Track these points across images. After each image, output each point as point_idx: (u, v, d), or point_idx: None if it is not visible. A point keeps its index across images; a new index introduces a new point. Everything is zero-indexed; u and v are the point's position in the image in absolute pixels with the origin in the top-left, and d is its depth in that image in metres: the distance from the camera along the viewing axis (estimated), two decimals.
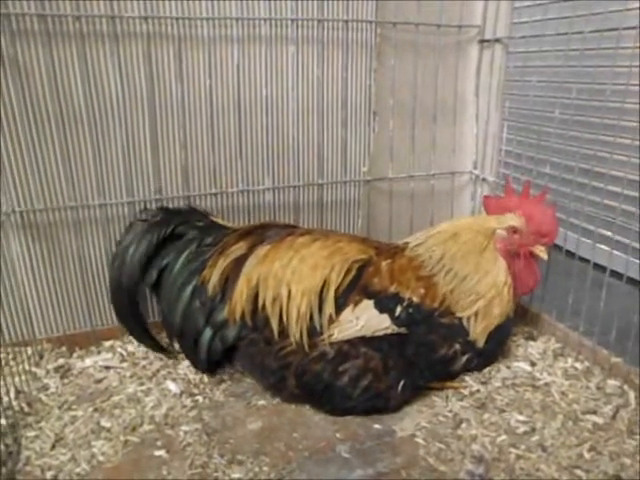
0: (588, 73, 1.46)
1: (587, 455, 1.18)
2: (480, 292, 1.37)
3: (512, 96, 1.75)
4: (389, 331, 1.31)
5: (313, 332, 1.31)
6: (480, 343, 1.37)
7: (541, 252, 1.40)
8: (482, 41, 1.81)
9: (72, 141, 1.45)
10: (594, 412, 1.30)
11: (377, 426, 1.29)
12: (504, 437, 1.23)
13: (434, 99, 1.81)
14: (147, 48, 1.46)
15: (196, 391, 1.40)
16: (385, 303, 1.32)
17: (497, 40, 1.76)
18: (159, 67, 1.49)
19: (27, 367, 1.44)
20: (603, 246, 1.42)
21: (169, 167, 1.57)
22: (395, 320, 1.31)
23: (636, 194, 1.35)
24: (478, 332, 1.37)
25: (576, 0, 1.45)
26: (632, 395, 1.34)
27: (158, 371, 1.47)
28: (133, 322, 1.44)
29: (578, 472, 1.13)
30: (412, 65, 1.74)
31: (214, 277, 1.35)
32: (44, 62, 1.37)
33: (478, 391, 1.38)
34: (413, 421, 1.30)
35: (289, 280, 1.33)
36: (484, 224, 1.43)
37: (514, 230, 1.40)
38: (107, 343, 1.58)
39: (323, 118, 1.69)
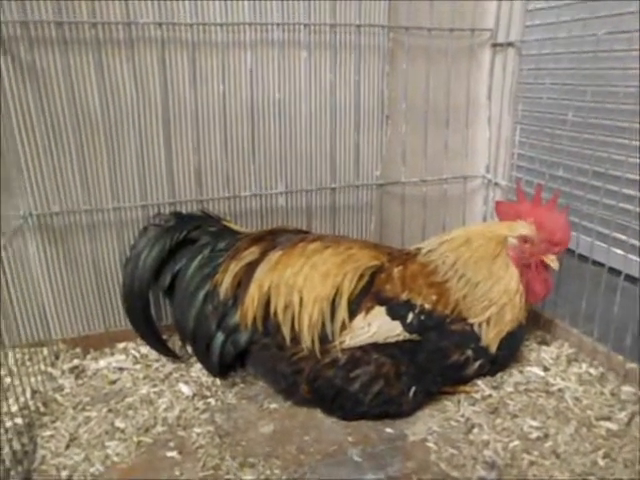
0: (601, 75, 1.45)
1: (601, 462, 1.16)
2: (492, 298, 1.36)
3: (525, 99, 1.74)
4: (401, 338, 1.31)
5: (325, 339, 1.31)
6: (492, 349, 1.36)
7: (552, 262, 1.38)
8: (495, 45, 1.80)
9: (88, 146, 1.48)
10: (608, 418, 1.28)
11: (389, 430, 1.29)
12: (517, 442, 1.22)
13: (446, 103, 1.81)
14: (162, 54, 1.48)
15: (208, 394, 1.41)
16: (397, 310, 1.32)
17: (510, 44, 1.75)
18: (173, 73, 1.51)
19: (43, 367, 1.46)
20: (618, 250, 1.41)
21: (182, 171, 1.59)
22: (407, 327, 1.31)
23: None
24: (490, 338, 1.36)
25: (589, 1, 1.45)
26: None
27: (171, 373, 1.48)
28: (145, 326, 1.46)
29: (592, 479, 1.12)
30: (424, 69, 1.74)
31: (226, 282, 1.36)
32: (61, 69, 1.40)
33: (490, 396, 1.37)
34: (425, 425, 1.29)
35: (301, 287, 1.33)
36: (496, 231, 1.42)
37: (525, 239, 1.38)
38: (121, 345, 1.60)
39: (336, 122, 1.70)
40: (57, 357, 1.53)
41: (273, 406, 1.37)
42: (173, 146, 1.56)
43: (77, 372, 1.48)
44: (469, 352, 1.35)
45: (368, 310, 1.32)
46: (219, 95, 1.56)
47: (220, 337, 1.36)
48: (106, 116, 1.47)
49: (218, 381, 1.45)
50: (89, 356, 1.56)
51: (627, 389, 1.38)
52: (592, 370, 1.46)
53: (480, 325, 1.35)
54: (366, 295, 1.34)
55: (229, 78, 1.56)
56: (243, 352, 1.37)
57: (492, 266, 1.38)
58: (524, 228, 1.40)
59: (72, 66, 1.41)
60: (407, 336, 1.31)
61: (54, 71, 1.40)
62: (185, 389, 1.42)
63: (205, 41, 1.51)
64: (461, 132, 1.87)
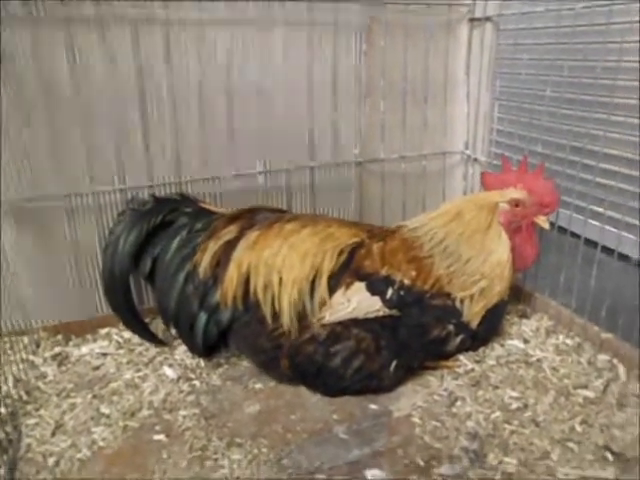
0: (579, 50, 1.45)
1: (579, 428, 1.20)
2: (484, 272, 1.38)
3: (503, 75, 1.75)
4: (380, 313, 1.32)
5: (305, 316, 1.31)
6: (474, 324, 1.38)
7: (543, 222, 1.42)
8: (472, 20, 1.79)
9: (61, 129, 1.44)
10: (585, 386, 1.33)
11: (373, 407, 1.30)
12: (498, 413, 1.26)
13: (425, 79, 1.80)
14: (135, 32, 1.43)
15: (193, 376, 1.41)
16: (376, 285, 1.33)
17: (487, 18, 1.74)
18: (148, 52, 1.47)
19: (24, 356, 1.44)
20: (595, 222, 1.43)
21: (160, 153, 1.56)
22: (386, 302, 1.32)
23: (629, 171, 1.35)
24: (475, 311, 1.38)
25: None
26: (622, 369, 1.37)
27: (154, 357, 1.48)
28: (127, 312, 1.45)
29: (570, 445, 1.16)
30: (402, 46, 1.73)
31: (205, 261, 1.35)
32: (31, 49, 1.35)
33: (473, 370, 1.40)
34: (409, 400, 1.32)
35: (280, 268, 1.33)
36: (487, 198, 1.43)
37: (517, 203, 1.41)
38: (103, 331, 1.59)
39: (314, 101, 1.68)
40: (38, 345, 1.51)
41: (258, 386, 1.38)
42: (150, 128, 1.53)
43: (60, 359, 1.47)
44: (450, 327, 1.36)
45: (348, 286, 1.33)
46: (195, 75, 1.52)
47: (203, 317, 1.36)
48: (79, 98, 1.43)
49: (202, 363, 1.45)
50: (71, 343, 1.54)
51: (603, 357, 1.42)
52: (569, 341, 1.50)
53: (462, 301, 1.37)
54: (346, 271, 1.34)
55: (205, 57, 1.52)
56: (226, 331, 1.37)
57: (485, 238, 1.39)
58: (515, 192, 1.41)
59: (42, 46, 1.36)
60: (387, 311, 1.32)
61: (23, 52, 1.35)
62: (169, 372, 1.42)
63: (180, 19, 1.47)
64: (440, 108, 1.86)
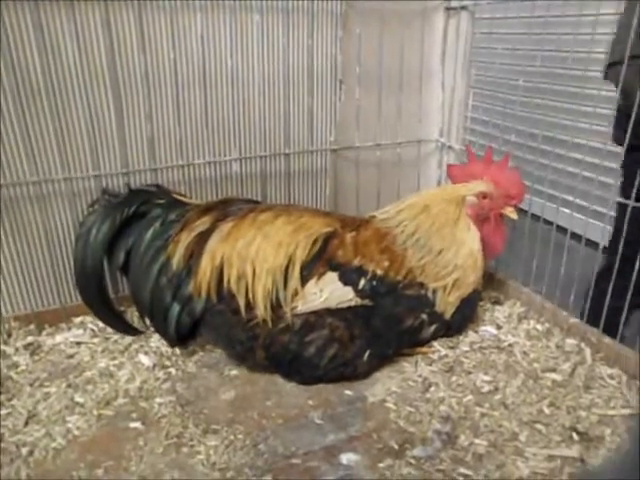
0: (552, 41, 1.47)
1: (547, 410, 1.24)
2: (458, 263, 1.40)
3: (478, 63, 1.76)
4: (353, 303, 1.33)
5: (278, 306, 1.32)
6: (448, 314, 1.41)
7: (511, 213, 1.45)
8: (448, 9, 1.80)
9: (30, 113, 1.40)
10: (553, 370, 1.36)
11: (348, 392, 1.32)
12: (470, 397, 1.28)
13: (400, 67, 1.80)
14: (106, 15, 1.40)
15: (169, 363, 1.41)
16: (349, 275, 1.34)
17: (463, 7, 1.75)
18: (119, 35, 1.44)
19: None
20: (565, 209, 1.47)
21: (135, 139, 1.54)
22: (359, 292, 1.33)
23: (596, 161, 1.38)
24: (449, 302, 1.40)
25: None
26: (588, 352, 1.41)
27: (130, 345, 1.47)
28: (101, 305, 1.43)
29: (538, 426, 1.19)
30: (378, 33, 1.72)
31: (178, 252, 1.34)
32: None
33: (447, 356, 1.42)
34: (384, 386, 1.34)
35: (253, 259, 1.33)
36: (454, 192, 1.45)
37: (484, 195, 1.43)
38: (77, 319, 1.56)
39: (289, 87, 1.67)
40: (10, 335, 1.48)
41: (234, 373, 1.38)
42: (124, 113, 1.50)
43: (32, 349, 1.45)
44: (424, 316, 1.38)
45: (320, 276, 1.33)
46: (170, 60, 1.50)
47: (176, 308, 1.35)
48: (48, 81, 1.39)
49: (178, 350, 1.45)
50: (44, 332, 1.52)
51: (570, 341, 1.46)
52: (539, 326, 1.54)
53: (435, 291, 1.39)
54: (319, 261, 1.34)
55: (179, 43, 1.50)
56: (199, 321, 1.37)
57: (455, 230, 1.42)
58: (481, 185, 1.44)
59: (8, 27, 1.32)
60: (359, 301, 1.33)
61: None
62: (145, 360, 1.41)
63: (152, 4, 1.44)
64: (415, 96, 1.87)
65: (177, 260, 1.34)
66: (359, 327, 1.33)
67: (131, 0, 1.42)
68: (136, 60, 1.47)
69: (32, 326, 1.52)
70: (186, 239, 1.35)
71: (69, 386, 1.32)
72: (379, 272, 1.35)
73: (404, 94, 1.84)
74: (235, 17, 1.54)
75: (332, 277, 1.33)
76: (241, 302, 1.32)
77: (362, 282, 1.34)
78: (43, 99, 1.40)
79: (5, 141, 1.40)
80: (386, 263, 1.36)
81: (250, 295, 1.32)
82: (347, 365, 1.33)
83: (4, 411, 1.24)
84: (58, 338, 1.50)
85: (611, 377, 1.33)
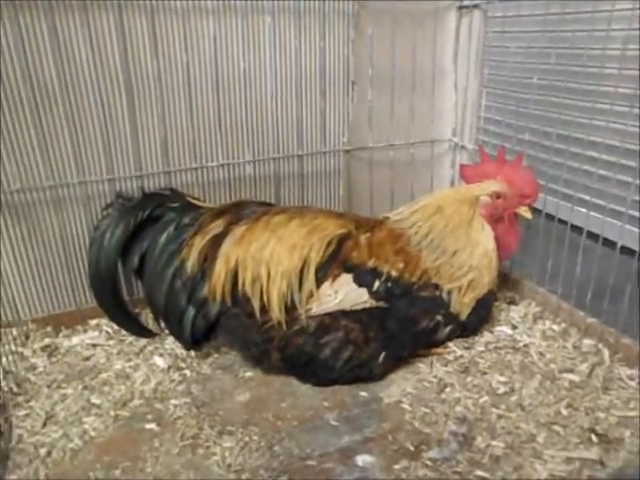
0: (566, 38, 1.45)
1: (564, 412, 1.22)
2: (473, 264, 1.39)
3: (491, 62, 1.75)
4: (367, 305, 1.32)
5: (293, 308, 1.31)
6: (463, 315, 1.40)
7: (525, 212, 1.43)
8: (461, 7, 1.79)
9: (46, 119, 1.42)
10: (571, 371, 1.35)
11: (364, 394, 1.32)
12: (486, 398, 1.27)
13: (412, 67, 1.80)
14: (119, 19, 1.42)
15: (183, 365, 1.42)
16: (363, 277, 1.33)
17: (475, 6, 1.74)
18: (133, 40, 1.46)
19: (13, 348, 1.44)
20: (581, 209, 1.45)
21: (148, 143, 1.55)
22: (373, 294, 1.33)
23: (613, 159, 1.37)
24: (465, 303, 1.39)
25: None
26: (606, 353, 1.39)
27: (145, 347, 1.48)
28: (115, 308, 1.44)
29: (556, 428, 1.18)
30: (390, 34, 1.72)
31: (193, 256, 1.35)
32: (12, 37, 1.33)
33: (462, 356, 1.42)
34: (399, 388, 1.33)
35: (268, 261, 1.32)
36: (467, 193, 1.44)
37: (497, 195, 1.42)
38: (93, 321, 1.58)
39: (302, 89, 1.67)
40: (27, 337, 1.51)
41: (248, 375, 1.39)
42: (138, 117, 1.52)
43: (49, 351, 1.46)
44: (439, 317, 1.37)
45: (335, 277, 1.33)
46: (182, 64, 1.51)
47: (191, 311, 1.36)
48: (63, 86, 1.41)
49: (193, 353, 1.45)
50: (61, 334, 1.54)
51: (588, 342, 1.44)
52: (555, 326, 1.52)
53: (449, 292, 1.38)
54: (333, 262, 1.34)
55: (192, 46, 1.51)
56: (214, 324, 1.37)
57: (469, 231, 1.41)
58: (495, 185, 1.43)
59: (24, 35, 1.34)
60: (374, 303, 1.33)
61: (4, 38, 1.33)
62: (160, 362, 1.42)
63: (165, 7, 1.45)
64: (428, 96, 1.87)
65: (191, 264, 1.35)
66: (374, 329, 1.32)
67: (144, 2, 1.43)
68: (149, 63, 1.49)
69: (49, 328, 1.54)
70: (200, 242, 1.35)
71: (85, 388, 1.34)
72: (394, 273, 1.35)
73: (417, 94, 1.83)
74: (247, 19, 1.54)
75: (347, 279, 1.33)
76: (256, 305, 1.32)
77: (377, 284, 1.33)
78: (58, 103, 1.42)
79: (21, 146, 1.42)
80: (401, 264, 1.36)
81: (265, 298, 1.32)
82: (362, 367, 1.33)
83: (22, 412, 1.25)
84: (74, 340, 1.51)
85: (630, 378, 1.31)
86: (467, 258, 1.39)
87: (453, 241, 1.39)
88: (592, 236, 1.43)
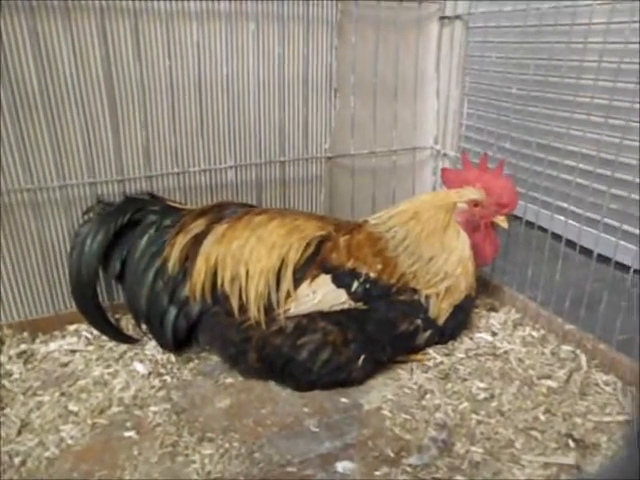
0: (545, 49, 1.48)
1: (542, 417, 1.24)
2: (448, 271, 1.40)
3: (472, 71, 1.77)
4: (346, 306, 1.33)
5: (271, 307, 1.32)
6: (441, 321, 1.41)
7: (502, 222, 1.45)
8: (442, 18, 1.81)
9: (26, 121, 1.40)
10: (549, 377, 1.36)
11: (344, 400, 1.32)
12: (466, 404, 1.28)
13: (395, 75, 1.82)
14: (101, 22, 1.41)
15: (164, 371, 1.40)
16: (342, 278, 1.34)
17: (457, 17, 1.77)
18: (115, 44, 1.45)
19: None
20: (560, 217, 1.47)
21: (130, 147, 1.54)
22: (352, 295, 1.33)
23: (590, 168, 1.39)
24: (442, 308, 1.40)
25: None
26: (584, 359, 1.41)
27: (125, 353, 1.46)
28: (94, 313, 1.43)
29: (534, 433, 1.19)
30: (373, 41, 1.74)
31: (174, 256, 1.35)
32: None
33: (442, 363, 1.43)
34: (379, 394, 1.33)
35: (247, 260, 1.33)
36: (445, 199, 1.45)
37: (475, 203, 1.43)
38: (71, 327, 1.56)
39: (284, 95, 1.68)
40: (3, 343, 1.47)
41: (229, 381, 1.38)
42: (120, 121, 1.51)
43: (25, 357, 1.44)
44: (418, 322, 1.38)
45: (313, 278, 1.34)
46: (165, 68, 1.51)
47: (172, 311, 1.36)
48: (44, 88, 1.40)
49: (173, 358, 1.44)
50: (38, 340, 1.51)
51: (566, 348, 1.46)
52: (534, 333, 1.54)
53: (428, 297, 1.39)
54: (312, 263, 1.35)
55: (175, 51, 1.51)
56: (195, 325, 1.37)
57: (444, 238, 1.42)
58: (473, 193, 1.44)
59: (3, 32, 1.32)
60: (352, 304, 1.33)
61: None
62: (140, 368, 1.41)
63: (148, 10, 1.45)
64: (410, 104, 1.89)
65: (173, 263, 1.35)
66: (353, 331, 1.33)
67: (127, 5, 1.42)
68: (132, 68, 1.48)
69: (25, 334, 1.51)
70: (181, 242, 1.36)
71: (63, 395, 1.31)
72: (372, 275, 1.35)
73: (399, 102, 1.85)
74: (231, 25, 1.54)
75: (325, 279, 1.34)
76: (235, 304, 1.32)
77: (355, 284, 1.34)
78: (38, 106, 1.40)
79: (0, 149, 1.39)
80: (379, 266, 1.37)
81: (243, 296, 1.32)
82: (341, 370, 1.33)
83: None
84: (52, 346, 1.49)
85: (606, 384, 1.33)
86: (442, 265, 1.41)
87: (428, 247, 1.40)
88: (570, 244, 1.45)
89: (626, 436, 1.15)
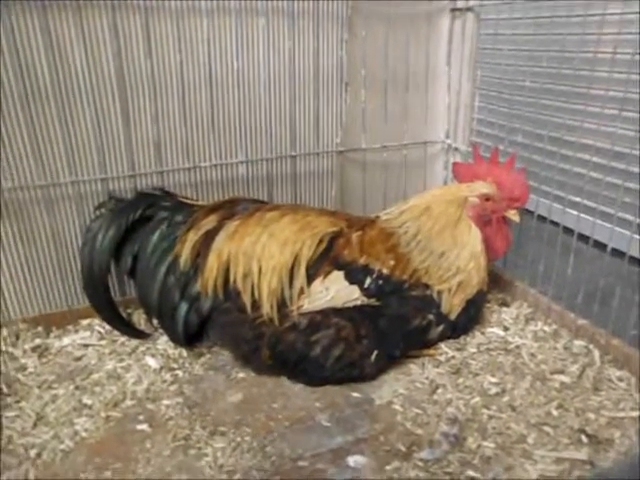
0: (558, 41, 1.46)
1: (555, 412, 1.23)
2: (460, 266, 1.40)
3: (484, 65, 1.76)
4: (359, 302, 1.33)
5: (284, 304, 1.32)
6: (453, 316, 1.40)
7: (513, 216, 1.44)
8: (454, 10, 1.79)
9: (38, 118, 1.41)
10: (561, 372, 1.35)
11: (356, 394, 1.32)
12: (477, 399, 1.28)
13: (406, 69, 1.80)
14: (112, 19, 1.41)
15: (176, 366, 1.41)
16: (355, 274, 1.34)
17: (469, 9, 1.75)
18: (126, 39, 1.45)
19: (3, 348, 1.43)
20: (573, 211, 1.46)
21: (141, 142, 1.55)
22: (364, 291, 1.33)
23: (604, 161, 1.37)
24: (454, 304, 1.39)
25: None
26: (597, 354, 1.40)
27: (137, 347, 1.47)
28: (106, 309, 1.44)
29: (546, 428, 1.19)
30: (383, 35, 1.72)
31: (185, 252, 1.35)
32: (4, 37, 1.32)
33: (454, 357, 1.42)
34: (390, 389, 1.33)
35: (259, 256, 1.33)
36: (456, 193, 1.44)
37: (486, 197, 1.42)
38: (84, 321, 1.57)
39: (295, 90, 1.67)
40: (18, 337, 1.49)
41: (240, 375, 1.38)
42: (131, 117, 1.51)
43: (40, 351, 1.45)
44: (431, 317, 1.38)
45: (326, 274, 1.33)
46: (176, 64, 1.51)
47: (184, 306, 1.36)
48: (56, 85, 1.40)
49: (185, 353, 1.45)
50: (52, 334, 1.53)
51: (578, 343, 1.45)
52: (546, 328, 1.53)
53: (440, 293, 1.38)
54: (325, 260, 1.35)
55: (186, 46, 1.51)
56: (207, 320, 1.38)
57: (455, 232, 1.41)
58: (484, 187, 1.43)
59: (17, 33, 1.33)
60: (365, 300, 1.33)
61: None
62: (152, 362, 1.42)
63: (159, 7, 1.45)
64: (421, 98, 1.87)
65: (184, 259, 1.35)
66: (366, 327, 1.32)
67: (138, 3, 1.43)
68: (143, 64, 1.48)
69: (40, 328, 1.53)
70: (193, 238, 1.36)
71: (77, 388, 1.33)
72: (385, 271, 1.35)
73: (410, 96, 1.84)
74: (241, 20, 1.54)
75: (338, 276, 1.33)
76: (247, 300, 1.32)
77: (368, 281, 1.34)
78: (51, 103, 1.41)
79: (13, 145, 1.41)
80: (392, 262, 1.36)
81: (256, 293, 1.32)
82: (354, 366, 1.33)
83: (12, 413, 1.24)
84: (65, 340, 1.50)
85: (620, 379, 1.32)
86: (454, 260, 1.40)
87: (440, 242, 1.40)
88: (583, 238, 1.44)
89: None
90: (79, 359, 1.43)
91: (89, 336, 1.52)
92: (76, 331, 1.55)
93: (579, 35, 1.40)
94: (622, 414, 1.22)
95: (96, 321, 1.56)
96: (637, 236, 1.32)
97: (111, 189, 1.53)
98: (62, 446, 1.16)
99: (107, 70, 1.45)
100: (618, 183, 1.34)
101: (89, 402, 1.28)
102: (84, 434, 1.19)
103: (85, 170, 1.50)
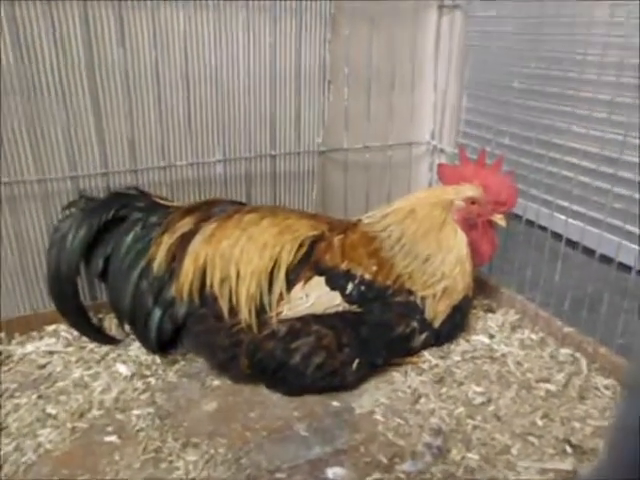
0: (547, 41, 1.44)
1: (540, 422, 1.21)
2: (445, 271, 1.37)
3: (472, 64, 1.72)
4: (340, 308, 1.30)
5: (263, 310, 1.28)
6: (438, 322, 1.37)
7: (500, 220, 1.41)
8: (441, 6, 1.77)
9: (2, 112, 1.34)
10: (547, 380, 1.33)
11: (335, 404, 1.28)
12: (461, 409, 1.25)
13: (391, 67, 1.77)
14: (84, 10, 1.35)
15: (148, 373, 1.36)
16: (336, 280, 1.31)
17: (456, 5, 1.72)
18: (98, 32, 1.39)
19: None
20: (561, 215, 1.43)
21: (114, 139, 1.49)
22: (346, 297, 1.30)
23: (593, 166, 1.35)
24: (439, 310, 1.37)
25: None
26: (584, 362, 1.38)
27: (107, 354, 1.42)
28: (74, 314, 1.38)
29: (531, 439, 1.17)
30: (368, 32, 1.69)
31: (160, 255, 1.31)
32: None
33: (437, 366, 1.39)
34: (372, 397, 1.30)
35: (237, 260, 1.30)
36: (441, 196, 1.41)
37: (472, 201, 1.39)
38: (50, 327, 1.51)
39: (276, 87, 1.63)
40: None
41: (216, 383, 1.34)
42: (103, 113, 1.45)
43: (1, 358, 1.39)
44: (414, 324, 1.35)
45: (307, 280, 1.30)
46: (151, 58, 1.45)
47: (157, 312, 1.31)
48: (22, 78, 1.34)
49: (158, 359, 1.40)
50: (14, 341, 1.46)
51: (565, 351, 1.43)
52: (533, 335, 1.51)
53: (424, 299, 1.35)
54: (305, 265, 1.32)
55: (161, 40, 1.45)
56: (181, 328, 1.33)
57: (440, 236, 1.38)
58: (470, 190, 1.40)
59: None
60: (347, 307, 1.30)
61: None
62: (123, 369, 1.36)
63: None
64: (406, 97, 1.84)
65: (159, 263, 1.31)
66: (347, 334, 1.29)
67: None
68: (116, 58, 1.42)
69: (1, 334, 1.46)
70: (168, 240, 1.32)
71: (40, 397, 1.27)
72: (367, 276, 1.32)
73: (395, 95, 1.80)
74: (219, 15, 1.49)
75: (319, 281, 1.30)
76: (224, 306, 1.28)
77: (350, 287, 1.30)
78: (17, 95, 1.35)
79: None
80: (374, 267, 1.33)
81: (234, 298, 1.28)
82: (335, 374, 1.29)
83: None
84: (29, 347, 1.44)
85: (606, 387, 1.30)
86: (439, 265, 1.37)
87: (424, 246, 1.37)
88: (571, 243, 1.41)
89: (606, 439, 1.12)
90: (43, 367, 1.37)
91: (55, 343, 1.46)
92: (41, 337, 1.48)
93: (569, 35, 1.38)
94: (608, 423, 1.19)
95: (62, 327, 1.50)
96: (625, 242, 1.30)
97: (82, 188, 1.47)
98: (24, 458, 1.11)
99: (78, 64, 1.39)
100: (607, 188, 1.32)
101: (54, 412, 1.22)
102: (48, 446, 1.14)
103: (53, 167, 1.44)
